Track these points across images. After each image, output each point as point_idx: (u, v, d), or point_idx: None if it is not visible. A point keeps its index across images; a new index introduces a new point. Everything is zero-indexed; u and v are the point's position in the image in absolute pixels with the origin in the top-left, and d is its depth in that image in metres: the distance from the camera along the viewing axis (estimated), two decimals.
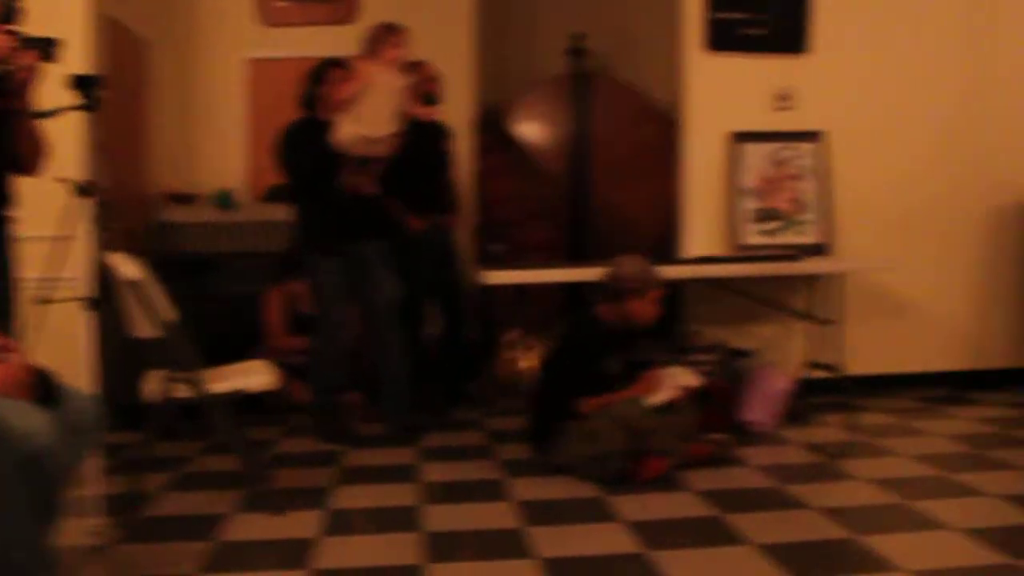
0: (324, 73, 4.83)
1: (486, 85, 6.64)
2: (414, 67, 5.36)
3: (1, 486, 2.30)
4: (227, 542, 3.60)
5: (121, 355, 4.23)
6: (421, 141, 5.27)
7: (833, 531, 3.67)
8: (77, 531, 3.52)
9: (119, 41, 5.59)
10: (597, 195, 6.28)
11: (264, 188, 6.38)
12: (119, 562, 3.44)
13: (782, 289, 5.78)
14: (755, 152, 5.77)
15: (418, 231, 5.44)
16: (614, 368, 4.45)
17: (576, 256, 6.26)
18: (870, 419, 5.39)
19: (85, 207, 3.53)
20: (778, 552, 3.44)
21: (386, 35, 4.84)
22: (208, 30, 6.64)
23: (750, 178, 5.74)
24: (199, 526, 3.74)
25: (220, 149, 6.69)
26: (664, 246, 5.86)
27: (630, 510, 3.89)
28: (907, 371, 6.10)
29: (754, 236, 5.71)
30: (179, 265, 6.03)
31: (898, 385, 6.03)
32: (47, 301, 3.73)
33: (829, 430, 5.20)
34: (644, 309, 4.45)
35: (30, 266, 3.53)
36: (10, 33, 2.98)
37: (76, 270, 4.22)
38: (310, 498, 4.07)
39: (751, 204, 5.73)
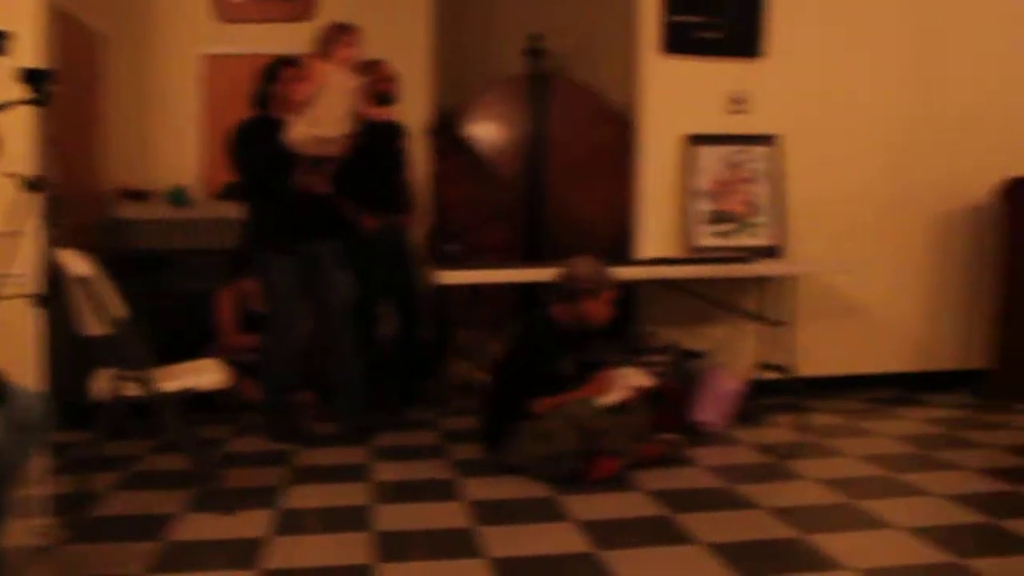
0: (277, 71, 4.80)
1: (444, 86, 6.64)
2: (370, 66, 5.34)
3: None
4: (176, 542, 3.57)
5: (70, 353, 4.18)
6: (376, 141, 5.25)
7: (781, 530, 3.72)
8: (23, 531, 3.48)
9: (71, 35, 5.53)
10: (553, 196, 6.29)
11: (219, 185, 6.33)
12: (66, 562, 3.40)
13: (734, 291, 5.83)
14: (710, 155, 5.81)
15: (373, 231, 5.43)
16: (567, 368, 4.47)
17: (532, 257, 6.27)
18: (820, 420, 5.46)
19: (35, 202, 3.48)
20: (727, 551, 3.48)
21: (338, 34, 4.82)
22: (164, 25, 6.58)
23: (704, 181, 5.79)
24: (148, 526, 3.72)
25: (175, 145, 6.64)
26: (619, 247, 5.88)
27: (581, 510, 3.92)
28: (857, 372, 6.18)
29: (708, 238, 5.75)
30: (131, 262, 5.97)
31: (848, 386, 6.11)
32: None
33: (779, 431, 5.25)
34: (598, 310, 4.48)
35: None
36: None
37: (25, 266, 4.15)
38: (261, 498, 4.05)
39: (705, 206, 5.78)
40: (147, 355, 3.88)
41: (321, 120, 4.68)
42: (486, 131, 6.31)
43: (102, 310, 3.69)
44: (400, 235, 5.69)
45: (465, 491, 4.19)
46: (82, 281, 3.69)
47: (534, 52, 6.46)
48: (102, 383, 3.92)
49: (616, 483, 4.25)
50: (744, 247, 5.72)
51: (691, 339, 5.76)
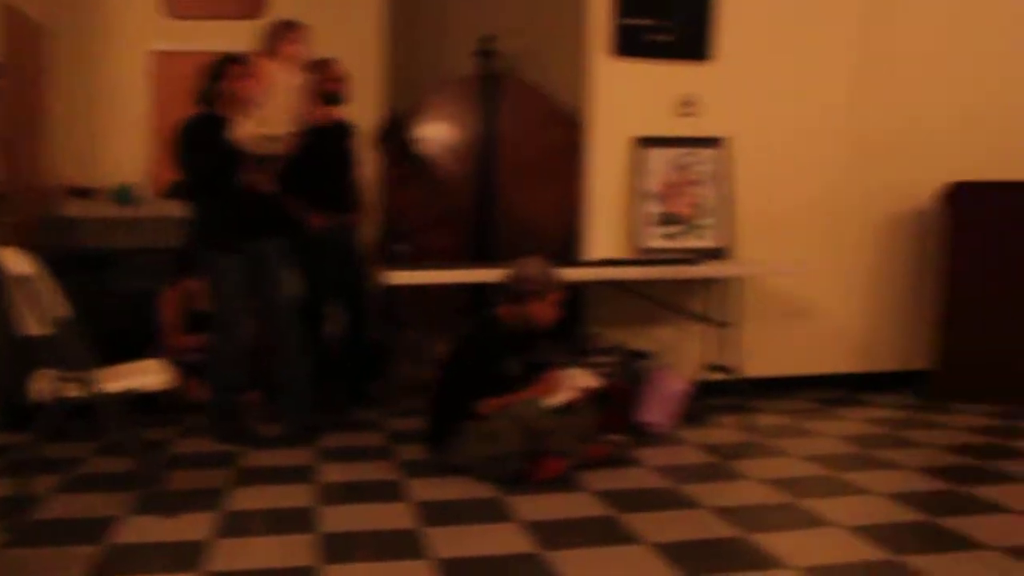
0: (222, 69, 4.76)
1: (395, 86, 6.62)
2: (320, 66, 5.32)
3: None
4: (118, 545, 3.53)
5: (10, 353, 4.12)
6: (325, 140, 5.23)
7: (725, 530, 3.76)
8: None
9: (15, 28, 5.45)
10: (503, 197, 6.29)
11: (166, 183, 6.26)
12: (6, 566, 3.35)
13: (682, 292, 5.88)
14: (658, 157, 5.84)
15: (321, 230, 5.41)
16: (513, 369, 4.48)
17: (482, 258, 6.27)
18: (765, 420, 5.52)
19: None
20: (671, 551, 3.51)
21: (284, 31, 4.79)
22: (111, 20, 6.52)
23: (653, 183, 5.82)
24: (89, 529, 3.67)
25: (122, 143, 6.58)
26: (569, 248, 5.90)
27: (527, 510, 3.93)
28: (802, 373, 6.25)
29: (656, 240, 5.79)
30: (75, 260, 5.90)
31: (793, 387, 6.18)
32: None
33: (725, 431, 5.30)
34: (544, 311, 4.49)
35: None
36: None
37: None
38: (205, 499, 4.02)
39: (653, 208, 5.81)
40: (90, 355, 3.83)
41: (267, 118, 4.65)
42: (437, 132, 6.30)
43: (42, 310, 3.64)
44: (349, 234, 5.67)
45: (411, 492, 4.18)
46: (23, 280, 3.64)
47: (485, 53, 6.46)
48: (43, 384, 3.85)
49: (562, 483, 4.27)
50: (691, 249, 5.76)
51: (638, 340, 5.80)
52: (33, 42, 5.98)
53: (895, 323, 6.38)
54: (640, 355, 5.56)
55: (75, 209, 6.29)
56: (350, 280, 5.64)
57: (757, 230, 5.98)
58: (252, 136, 4.65)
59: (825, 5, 6.05)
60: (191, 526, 3.72)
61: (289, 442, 4.89)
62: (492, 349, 4.47)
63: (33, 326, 3.68)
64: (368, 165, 6.05)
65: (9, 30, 5.23)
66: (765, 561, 3.44)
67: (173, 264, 5.71)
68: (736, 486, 4.41)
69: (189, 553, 3.44)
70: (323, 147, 5.23)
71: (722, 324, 5.77)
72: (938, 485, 4.37)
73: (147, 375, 4.11)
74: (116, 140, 6.56)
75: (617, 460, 4.58)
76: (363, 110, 6.10)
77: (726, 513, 3.93)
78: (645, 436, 5.05)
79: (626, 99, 5.82)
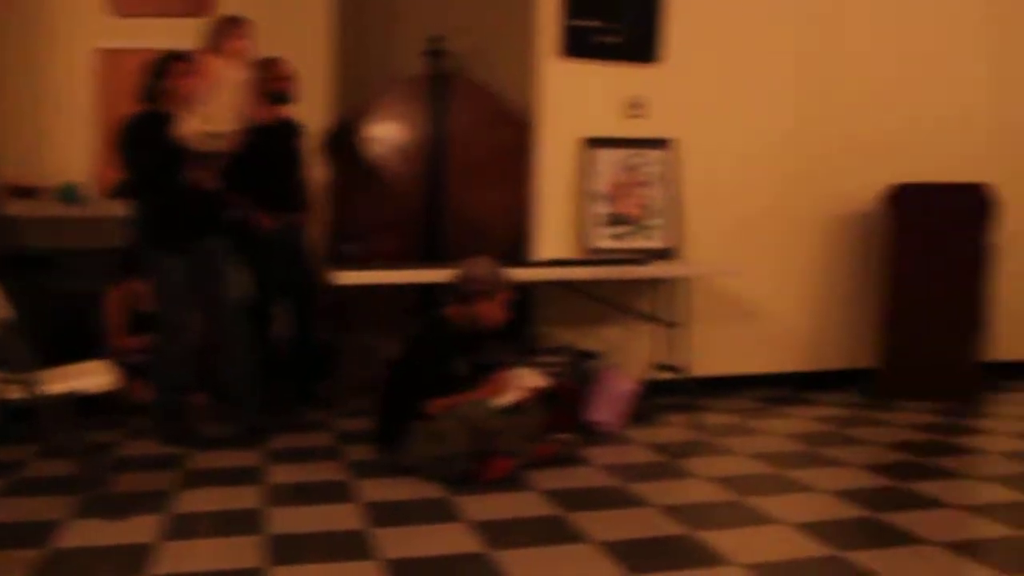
0: (165, 66, 4.71)
1: (344, 86, 6.59)
2: (267, 64, 5.30)
3: None
4: (62, 549, 3.48)
5: None
6: (272, 139, 5.20)
7: (671, 528, 3.78)
8: None
9: None
10: (453, 197, 6.28)
11: (111, 182, 6.19)
12: None
13: (630, 292, 5.92)
14: (607, 158, 5.87)
15: (269, 229, 5.37)
16: (462, 369, 4.49)
17: (431, 258, 6.26)
18: (712, 419, 5.57)
19: None
20: (617, 549, 3.53)
21: (229, 27, 4.76)
22: (56, 18, 6.43)
23: (601, 183, 5.85)
24: (32, 533, 3.62)
25: (67, 141, 6.49)
26: (518, 249, 5.91)
27: (475, 510, 3.93)
28: (749, 372, 6.32)
29: (604, 240, 5.82)
30: (18, 260, 5.81)
31: (740, 386, 6.24)
32: None
33: (673, 430, 5.34)
34: (492, 311, 4.50)
35: None
36: None
37: None
38: (151, 502, 3.98)
39: (602, 209, 5.84)
40: (33, 357, 3.77)
41: (211, 115, 4.61)
42: (386, 132, 6.28)
43: None
44: (297, 234, 5.64)
45: (359, 492, 4.17)
46: None
47: (435, 53, 6.46)
48: None
49: (510, 483, 4.27)
50: (640, 249, 5.80)
51: (586, 340, 5.82)
52: None
53: (841, 323, 6.46)
54: (589, 355, 5.59)
55: (19, 209, 6.19)
56: (298, 280, 5.61)
57: (705, 231, 6.03)
58: (196, 133, 4.61)
59: (772, 10, 6.12)
60: (136, 529, 3.68)
61: (236, 443, 4.85)
62: (440, 349, 4.47)
63: None
64: (316, 167, 6.03)
65: None
66: (710, 558, 3.47)
67: (118, 264, 5.64)
68: (683, 484, 4.44)
69: (134, 557, 3.41)
70: (269, 146, 5.21)
71: (670, 324, 5.81)
72: (881, 482, 4.44)
73: (91, 376, 4.06)
74: (61, 139, 6.47)
75: (565, 459, 4.60)
76: (312, 110, 6.06)
77: (673, 511, 3.96)
78: (593, 435, 5.08)
79: (575, 100, 5.84)
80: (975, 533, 3.87)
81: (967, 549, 3.63)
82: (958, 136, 6.45)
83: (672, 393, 5.80)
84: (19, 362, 3.72)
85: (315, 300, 5.72)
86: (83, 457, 4.05)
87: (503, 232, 6.08)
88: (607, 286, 5.75)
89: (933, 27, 6.39)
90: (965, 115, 6.48)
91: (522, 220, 5.97)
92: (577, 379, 5.29)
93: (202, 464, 4.56)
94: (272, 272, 5.42)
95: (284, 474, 4.44)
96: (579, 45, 5.80)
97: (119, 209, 5.79)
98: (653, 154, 5.93)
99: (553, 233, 5.84)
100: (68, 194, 6.25)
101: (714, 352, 6.08)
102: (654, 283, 5.90)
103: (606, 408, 5.21)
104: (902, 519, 3.89)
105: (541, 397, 4.60)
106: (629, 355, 5.92)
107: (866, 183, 6.27)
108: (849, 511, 4.03)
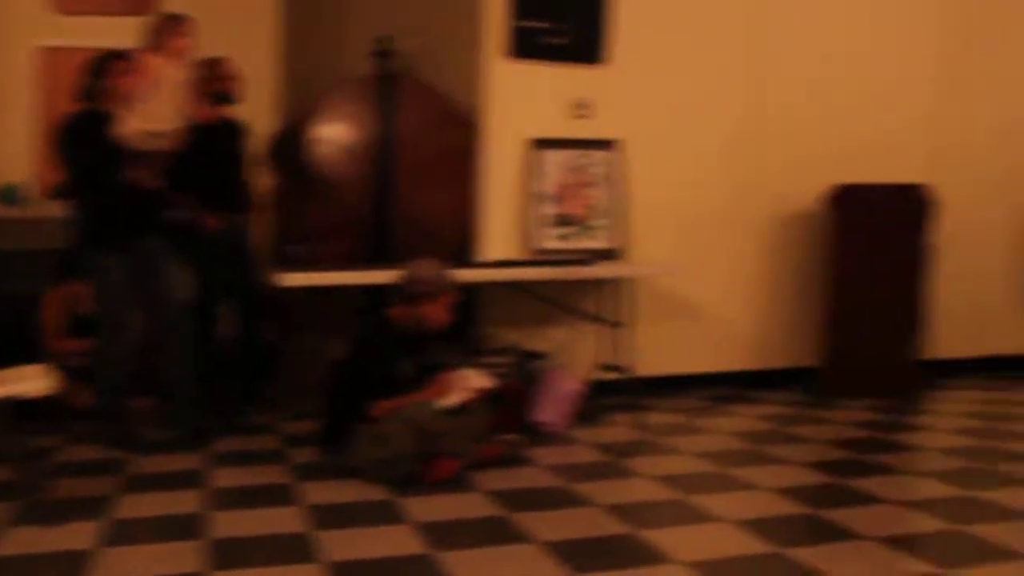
0: (104, 64, 4.65)
1: (291, 87, 6.55)
2: (212, 64, 5.25)
3: None
4: None
5: None
6: (214, 139, 5.16)
7: (614, 527, 3.81)
8: None
9: None
10: (401, 198, 6.26)
11: (52, 183, 6.10)
12: None
13: (575, 293, 5.94)
14: (553, 159, 5.89)
15: (214, 229, 5.33)
16: (406, 371, 4.47)
17: (379, 260, 6.23)
18: (657, 418, 5.61)
19: None
20: (561, 549, 3.55)
21: (170, 25, 4.72)
22: None
23: (548, 184, 5.86)
24: None
25: (8, 141, 6.37)
26: (466, 250, 5.91)
27: (419, 511, 3.93)
28: (694, 372, 6.36)
29: (551, 241, 5.84)
30: None
31: (685, 385, 6.28)
32: None
33: (618, 430, 5.37)
34: (436, 313, 4.50)
35: None
36: None
37: None
38: (90, 508, 3.93)
39: (548, 209, 5.86)
40: None
41: (152, 114, 4.56)
42: (334, 133, 6.25)
43: None
44: (241, 234, 5.59)
45: (303, 495, 4.15)
46: None
47: (382, 53, 6.44)
48: None
49: (455, 484, 4.28)
50: (585, 250, 5.82)
51: (532, 340, 5.84)
52: None
53: (785, 322, 6.53)
54: (534, 355, 5.60)
55: None
56: (242, 280, 5.56)
57: (650, 232, 6.06)
58: (136, 132, 4.56)
59: (718, 12, 6.17)
60: (75, 535, 3.63)
61: (179, 446, 4.80)
62: (385, 350, 4.45)
63: None
64: (262, 167, 5.98)
65: None
66: (654, 557, 3.50)
67: (57, 266, 5.55)
68: (627, 484, 4.47)
69: (72, 563, 3.36)
70: (212, 146, 5.16)
71: (615, 324, 5.84)
72: (822, 479, 4.50)
73: (29, 381, 3.99)
74: (1, 138, 6.36)
75: (510, 460, 4.61)
76: (257, 110, 6.01)
77: (616, 510, 3.99)
78: (539, 436, 5.09)
79: (521, 101, 5.84)
80: (913, 528, 3.95)
81: (905, 544, 3.69)
82: (900, 138, 6.55)
83: (617, 393, 5.83)
84: None
85: (260, 301, 5.68)
86: (21, 463, 4.00)
87: (451, 233, 6.07)
88: (553, 286, 5.77)
89: (878, 32, 6.49)
90: (908, 118, 6.58)
91: (470, 221, 5.96)
92: (522, 379, 5.29)
93: (144, 468, 4.51)
94: (217, 272, 5.37)
95: (227, 477, 4.40)
96: (526, 46, 5.81)
97: (59, 210, 5.72)
98: (599, 155, 5.95)
99: (499, 234, 5.84)
100: (7, 195, 6.15)
101: (659, 352, 6.12)
102: (599, 283, 5.93)
103: (551, 408, 5.23)
104: (842, 515, 3.95)
105: (486, 398, 4.60)
106: (574, 355, 5.94)
107: (810, 185, 6.34)
108: (790, 508, 4.08)
